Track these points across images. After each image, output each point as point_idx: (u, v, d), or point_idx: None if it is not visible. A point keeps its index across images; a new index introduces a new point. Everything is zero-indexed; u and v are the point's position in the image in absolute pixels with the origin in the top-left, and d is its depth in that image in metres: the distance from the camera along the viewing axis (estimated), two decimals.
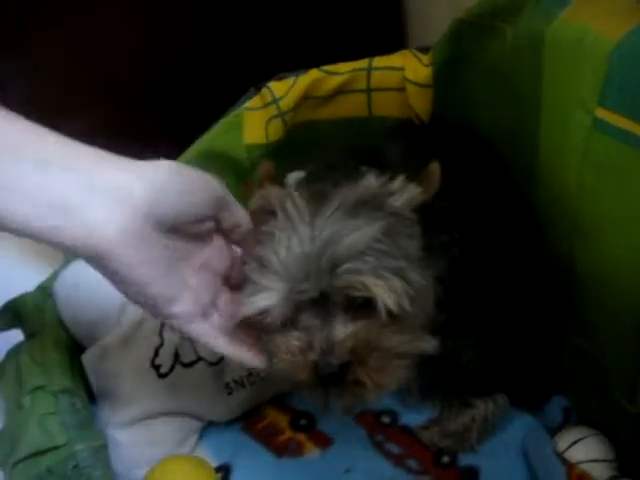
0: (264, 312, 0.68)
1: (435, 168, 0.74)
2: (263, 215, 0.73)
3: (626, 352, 0.78)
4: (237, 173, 1.09)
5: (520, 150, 0.88)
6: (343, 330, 0.68)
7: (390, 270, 0.67)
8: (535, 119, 0.82)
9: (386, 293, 0.66)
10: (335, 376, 0.67)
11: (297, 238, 0.67)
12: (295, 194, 0.71)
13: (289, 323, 0.70)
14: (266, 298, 0.67)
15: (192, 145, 1.10)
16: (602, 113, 0.71)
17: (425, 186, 0.73)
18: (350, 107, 1.11)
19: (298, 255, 0.67)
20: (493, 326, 0.87)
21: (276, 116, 1.08)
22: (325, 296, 0.67)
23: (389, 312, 0.67)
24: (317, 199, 0.70)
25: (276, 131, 1.09)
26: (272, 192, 0.74)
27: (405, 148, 0.90)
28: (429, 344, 0.72)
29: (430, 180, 0.73)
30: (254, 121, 1.08)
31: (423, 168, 0.74)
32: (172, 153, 1.11)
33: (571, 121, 0.75)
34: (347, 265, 0.66)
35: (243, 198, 1.11)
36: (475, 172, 0.91)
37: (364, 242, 0.67)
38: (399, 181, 0.73)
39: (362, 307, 0.68)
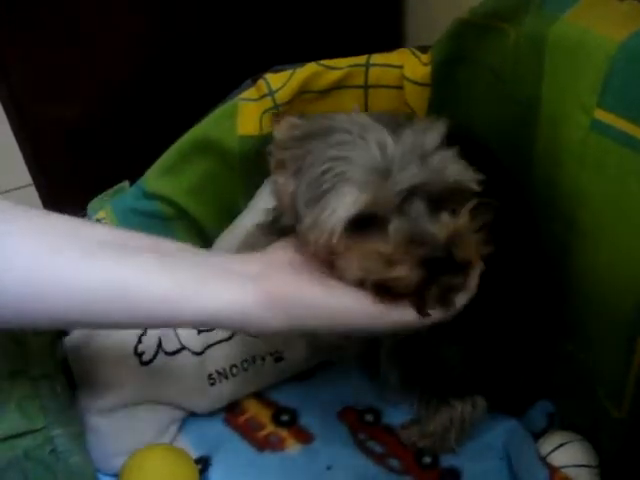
0: (358, 213, 0.65)
1: None
2: (296, 141, 0.72)
3: (614, 357, 0.77)
4: (228, 162, 1.08)
5: (517, 151, 0.88)
6: (446, 218, 0.67)
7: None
8: (533, 120, 0.82)
9: (474, 181, 0.68)
10: (443, 263, 0.66)
11: (376, 141, 0.66)
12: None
13: (378, 224, 0.67)
14: (361, 196, 0.65)
15: (186, 133, 1.09)
16: (601, 114, 0.71)
17: None
18: (346, 103, 1.10)
19: (383, 153, 0.66)
20: (480, 327, 0.86)
21: (271, 108, 1.07)
22: (413, 191, 0.66)
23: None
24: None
25: (270, 124, 1.08)
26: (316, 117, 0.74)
27: None
28: None
29: None
30: (249, 112, 1.07)
31: None
32: (168, 142, 1.11)
33: (570, 122, 0.75)
34: (437, 155, 0.67)
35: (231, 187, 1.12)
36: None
37: (441, 137, 0.68)
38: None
39: (447, 198, 0.68)
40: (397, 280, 0.65)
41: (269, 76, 1.08)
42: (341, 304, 0.66)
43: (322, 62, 1.08)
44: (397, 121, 0.69)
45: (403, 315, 0.67)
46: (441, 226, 0.66)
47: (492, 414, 0.95)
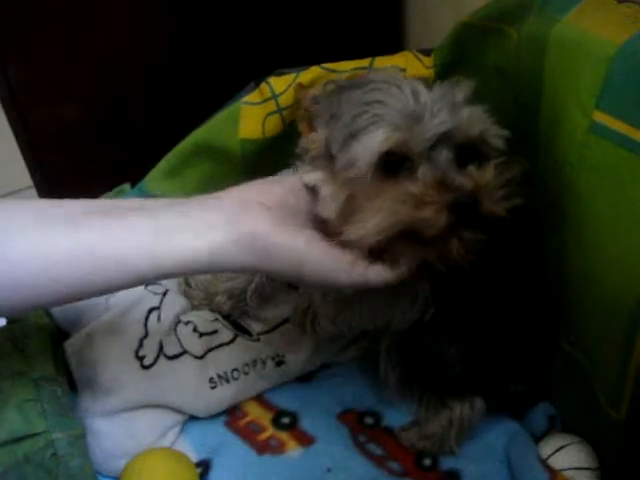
0: (390, 150, 0.69)
1: None
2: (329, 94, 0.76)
3: (612, 359, 0.77)
4: (230, 166, 1.08)
5: (519, 153, 0.87)
6: (473, 170, 0.70)
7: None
8: (534, 122, 0.82)
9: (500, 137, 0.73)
10: (469, 211, 0.68)
11: (410, 88, 0.71)
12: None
13: (407, 169, 0.71)
14: (393, 134, 0.69)
15: (188, 135, 1.09)
16: (600, 116, 0.71)
17: None
18: None
19: (416, 100, 0.70)
20: (479, 327, 0.86)
21: (274, 112, 1.07)
22: (442, 139, 0.70)
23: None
24: None
25: (273, 127, 1.08)
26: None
27: None
28: None
29: None
30: (251, 116, 1.07)
31: None
32: (170, 144, 1.11)
33: (569, 123, 0.75)
34: (466, 107, 0.71)
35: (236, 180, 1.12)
36: None
37: (470, 92, 0.73)
38: None
39: (473, 151, 0.72)
40: (425, 221, 0.68)
41: (272, 79, 1.08)
42: (310, 251, 0.68)
43: (325, 65, 1.08)
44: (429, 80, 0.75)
45: (370, 271, 0.70)
46: (468, 176, 0.69)
47: (492, 416, 0.95)
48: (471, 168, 0.70)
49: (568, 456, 0.88)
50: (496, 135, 0.73)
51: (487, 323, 0.86)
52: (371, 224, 0.69)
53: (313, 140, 0.75)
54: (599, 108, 0.71)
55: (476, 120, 0.72)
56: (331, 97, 0.75)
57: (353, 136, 0.70)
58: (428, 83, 0.73)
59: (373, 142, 0.68)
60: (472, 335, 0.87)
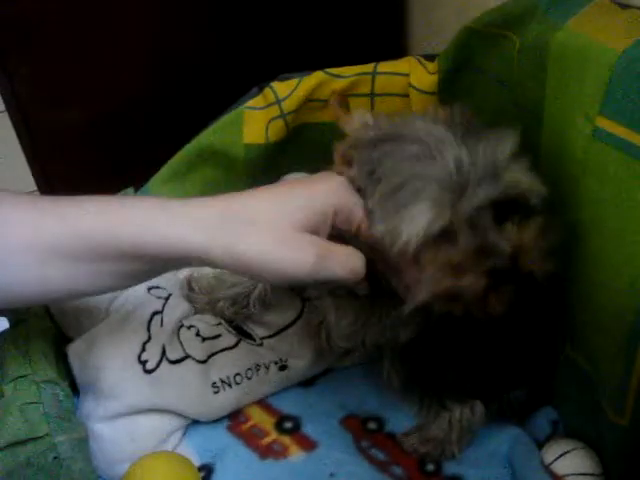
0: (427, 227, 0.68)
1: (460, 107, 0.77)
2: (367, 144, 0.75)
3: (615, 364, 0.77)
4: (234, 170, 1.08)
5: None
6: (512, 230, 0.70)
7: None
8: (537, 128, 0.82)
9: (539, 194, 0.71)
10: (508, 274, 0.69)
11: (453, 157, 0.69)
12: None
13: (448, 234, 0.70)
14: (432, 212, 0.68)
15: (191, 140, 1.09)
16: (603, 122, 0.71)
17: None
18: (353, 111, 1.10)
19: (459, 171, 0.68)
20: (482, 334, 0.86)
21: (278, 117, 1.07)
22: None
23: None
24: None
25: (277, 132, 1.09)
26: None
27: None
28: None
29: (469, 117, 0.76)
30: (255, 120, 1.08)
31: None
32: (174, 149, 1.11)
33: (572, 129, 0.75)
34: (509, 169, 0.70)
35: (239, 185, 1.12)
36: None
37: (513, 148, 0.71)
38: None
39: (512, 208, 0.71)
40: (464, 288, 0.69)
41: (276, 84, 1.08)
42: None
43: (329, 70, 1.08)
44: (470, 128, 0.72)
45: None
46: (508, 238, 0.69)
47: (495, 422, 0.94)
48: (510, 227, 0.70)
49: (571, 462, 0.87)
50: (537, 194, 0.72)
51: (489, 328, 0.85)
52: (413, 297, 0.71)
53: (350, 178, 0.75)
54: (602, 114, 0.71)
55: (519, 181, 0.71)
56: (368, 150, 0.74)
57: (395, 209, 0.69)
58: (470, 130, 0.72)
59: (417, 225, 0.68)
60: (474, 340, 0.86)
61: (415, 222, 0.68)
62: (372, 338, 0.88)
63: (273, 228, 0.68)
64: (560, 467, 0.88)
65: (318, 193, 0.71)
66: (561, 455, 0.88)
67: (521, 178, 0.70)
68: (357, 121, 0.77)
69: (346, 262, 0.70)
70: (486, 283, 0.68)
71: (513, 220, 0.71)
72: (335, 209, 0.71)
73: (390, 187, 0.70)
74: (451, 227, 0.69)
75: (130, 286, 0.78)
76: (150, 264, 0.71)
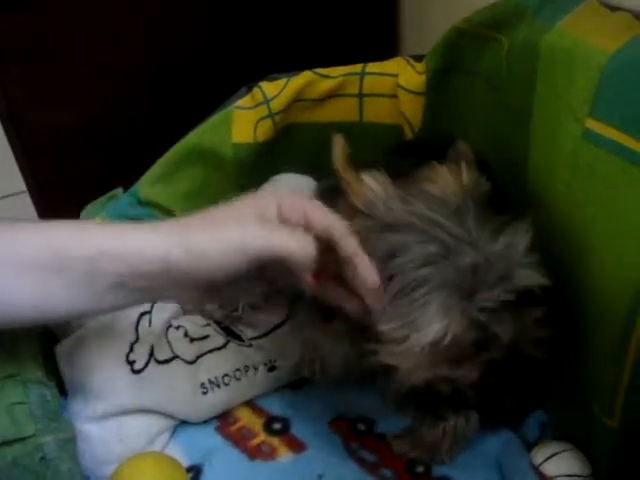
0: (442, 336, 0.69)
1: (462, 146, 0.78)
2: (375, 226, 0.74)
3: (606, 368, 0.77)
4: (223, 170, 1.08)
5: (511, 163, 0.87)
6: (510, 321, 0.71)
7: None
8: (526, 131, 0.82)
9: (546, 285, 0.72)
10: (504, 363, 0.72)
11: (470, 263, 0.69)
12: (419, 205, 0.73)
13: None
14: (444, 323, 0.68)
15: (180, 140, 1.09)
16: (592, 124, 0.71)
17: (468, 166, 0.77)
18: (341, 111, 1.11)
19: (474, 275, 0.69)
20: None
21: (266, 117, 1.07)
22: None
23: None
24: (431, 201, 0.73)
25: (265, 132, 1.08)
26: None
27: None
28: None
29: (468, 157, 0.78)
30: (243, 120, 1.07)
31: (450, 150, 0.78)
32: (163, 149, 1.11)
33: (561, 131, 0.75)
34: (522, 270, 0.70)
35: (225, 195, 1.12)
36: None
37: (528, 245, 0.71)
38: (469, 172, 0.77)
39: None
40: (461, 378, 0.72)
41: (264, 84, 1.08)
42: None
43: (317, 70, 1.08)
44: (483, 208, 0.73)
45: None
46: (507, 330, 0.70)
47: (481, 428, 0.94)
48: (508, 318, 0.71)
49: (561, 463, 0.87)
50: (540, 287, 0.72)
51: None
52: (405, 378, 0.74)
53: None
54: (592, 116, 0.71)
55: (530, 279, 0.71)
56: (379, 236, 0.74)
57: (406, 314, 0.70)
58: (486, 225, 0.72)
59: (427, 335, 0.68)
60: None
61: (426, 332, 0.68)
62: (369, 365, 0.88)
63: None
64: (549, 469, 0.87)
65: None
66: (550, 457, 0.88)
67: (532, 277, 0.71)
68: (368, 193, 0.76)
69: (293, 238, 0.71)
70: (481, 372, 0.71)
71: (514, 310, 0.71)
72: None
73: (402, 287, 0.70)
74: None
75: (125, 306, 0.80)
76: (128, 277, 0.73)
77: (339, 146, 0.80)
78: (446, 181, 0.75)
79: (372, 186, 0.76)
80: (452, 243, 0.69)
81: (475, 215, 0.71)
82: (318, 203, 0.74)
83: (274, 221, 0.73)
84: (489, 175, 0.92)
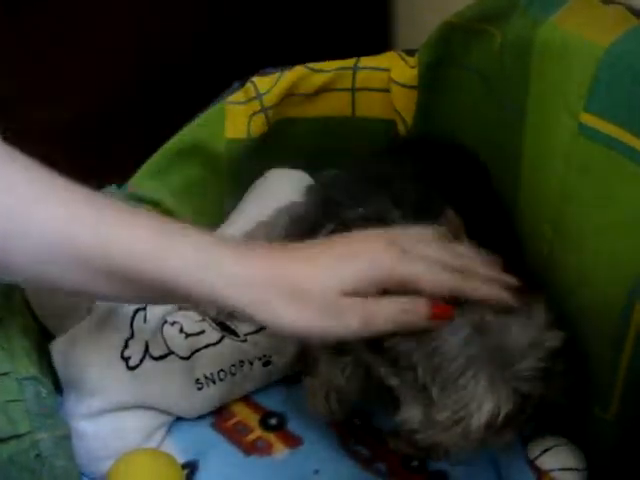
0: None
1: (451, 215, 0.76)
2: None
3: (602, 360, 0.77)
4: (215, 166, 1.08)
5: (505, 158, 0.87)
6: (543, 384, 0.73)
7: None
8: (520, 125, 0.81)
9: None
10: None
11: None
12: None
13: None
14: (495, 399, 0.70)
15: (173, 137, 1.08)
16: (587, 118, 0.71)
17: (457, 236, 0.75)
18: (334, 106, 1.10)
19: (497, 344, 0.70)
20: None
21: (259, 111, 1.07)
22: None
23: None
24: None
25: (258, 127, 1.08)
26: None
27: (408, 175, 0.91)
28: None
29: (457, 229, 0.75)
30: (236, 115, 1.07)
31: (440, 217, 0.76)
32: (157, 145, 1.10)
33: (556, 126, 0.75)
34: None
35: (218, 190, 1.11)
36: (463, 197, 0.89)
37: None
38: None
39: None
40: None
41: (257, 79, 1.08)
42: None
43: (310, 65, 1.08)
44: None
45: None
46: (538, 389, 0.73)
47: None
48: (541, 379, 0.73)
49: (556, 457, 0.88)
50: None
51: None
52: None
53: None
54: (587, 110, 0.71)
55: (554, 340, 0.73)
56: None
57: (461, 406, 0.70)
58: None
59: (482, 415, 0.70)
60: None
61: (480, 415, 0.69)
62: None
63: (321, 297, 0.66)
64: (545, 462, 0.88)
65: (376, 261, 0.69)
66: (545, 450, 0.88)
67: (557, 336, 0.73)
68: None
69: (392, 316, 0.68)
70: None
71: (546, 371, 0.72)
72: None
73: (447, 375, 0.70)
74: None
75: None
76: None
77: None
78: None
79: None
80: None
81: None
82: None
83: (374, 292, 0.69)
84: (487, 177, 0.93)
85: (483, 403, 0.69)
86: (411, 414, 0.74)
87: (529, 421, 0.78)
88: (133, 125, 1.36)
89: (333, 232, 0.82)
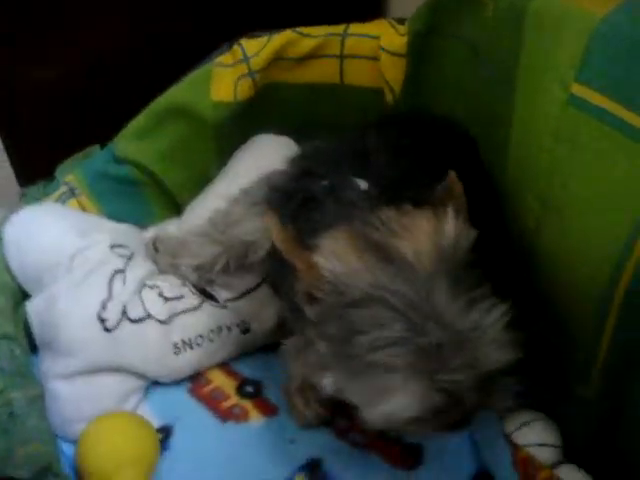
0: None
1: (454, 179, 0.71)
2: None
3: (583, 336, 0.77)
4: (201, 128, 1.07)
5: (493, 130, 0.86)
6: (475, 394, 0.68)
7: None
8: (510, 96, 0.81)
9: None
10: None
11: (434, 341, 0.65)
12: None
13: None
14: (406, 401, 0.66)
15: (158, 97, 1.07)
16: (578, 89, 0.70)
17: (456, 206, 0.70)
18: (321, 72, 1.09)
19: (438, 355, 0.65)
20: None
21: (246, 75, 1.06)
22: None
23: None
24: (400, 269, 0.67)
25: (245, 90, 1.07)
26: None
27: (389, 150, 0.87)
28: None
29: (456, 192, 0.71)
30: (223, 78, 1.06)
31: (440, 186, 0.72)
32: (141, 106, 1.09)
33: (546, 96, 0.74)
34: (491, 350, 0.66)
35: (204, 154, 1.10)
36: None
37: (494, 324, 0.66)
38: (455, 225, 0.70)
39: None
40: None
41: (245, 42, 1.06)
42: None
43: (299, 29, 1.07)
44: (458, 297, 0.67)
45: None
46: (470, 397, 0.68)
47: None
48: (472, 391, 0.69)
49: (531, 432, 0.88)
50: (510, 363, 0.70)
51: None
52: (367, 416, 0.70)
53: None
54: (578, 81, 0.70)
55: (495, 363, 0.68)
56: (349, 312, 0.68)
57: (373, 390, 0.68)
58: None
59: (391, 408, 0.67)
60: None
61: (396, 414, 0.67)
62: None
63: None
64: (520, 437, 0.88)
65: None
66: (521, 426, 0.89)
67: (499, 360, 0.67)
68: (324, 274, 0.69)
69: None
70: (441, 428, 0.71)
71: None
72: None
73: (365, 367, 0.67)
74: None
75: None
76: None
77: (275, 224, 0.72)
78: (419, 238, 0.68)
79: (328, 266, 0.69)
80: (418, 321, 0.65)
81: (447, 286, 0.66)
82: None
83: None
84: (476, 152, 0.92)
85: (393, 401, 0.66)
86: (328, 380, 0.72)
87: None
88: (120, 88, 1.34)
89: (301, 204, 0.80)
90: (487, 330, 0.66)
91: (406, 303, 0.66)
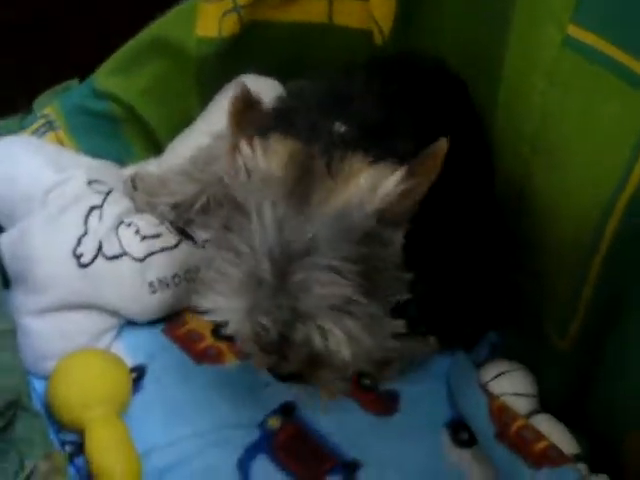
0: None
1: (441, 149, 0.65)
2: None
3: (564, 287, 0.77)
4: (185, 65, 1.05)
5: (484, 73, 0.84)
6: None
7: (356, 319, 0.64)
8: (503, 39, 0.78)
9: (346, 351, 0.65)
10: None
11: (268, 265, 0.63)
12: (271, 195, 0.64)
13: None
14: (226, 316, 0.67)
15: (142, 31, 1.04)
16: (574, 31, 0.68)
17: (423, 172, 0.65)
18: (310, 11, 1.07)
19: (265, 291, 0.64)
20: (436, 271, 0.83)
21: (231, 10, 1.03)
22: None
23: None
24: (296, 199, 0.64)
25: (230, 26, 1.04)
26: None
27: (374, 94, 0.84)
28: None
29: (431, 165, 0.65)
30: (208, 13, 1.03)
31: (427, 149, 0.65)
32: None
33: (541, 37, 0.72)
34: (312, 323, 0.64)
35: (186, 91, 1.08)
36: (442, 115, 0.85)
37: (334, 296, 0.63)
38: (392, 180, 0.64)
39: None
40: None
41: None
42: None
43: None
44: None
45: None
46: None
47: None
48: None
49: (507, 382, 0.88)
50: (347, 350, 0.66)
51: (443, 265, 0.83)
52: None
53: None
54: (574, 22, 0.68)
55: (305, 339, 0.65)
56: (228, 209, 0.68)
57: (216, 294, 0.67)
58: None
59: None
60: (429, 277, 0.84)
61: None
62: None
63: None
64: (496, 386, 0.88)
65: None
66: (498, 375, 0.89)
67: (313, 339, 0.65)
68: (238, 160, 0.67)
69: None
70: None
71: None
72: None
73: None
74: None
75: None
76: None
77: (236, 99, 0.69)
78: (342, 191, 0.64)
79: (246, 155, 0.66)
80: (259, 254, 0.63)
81: (310, 246, 0.63)
82: None
83: None
84: (467, 98, 0.90)
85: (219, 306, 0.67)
86: None
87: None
88: (99, 18, 1.31)
89: None
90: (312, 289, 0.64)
91: (262, 237, 0.64)
